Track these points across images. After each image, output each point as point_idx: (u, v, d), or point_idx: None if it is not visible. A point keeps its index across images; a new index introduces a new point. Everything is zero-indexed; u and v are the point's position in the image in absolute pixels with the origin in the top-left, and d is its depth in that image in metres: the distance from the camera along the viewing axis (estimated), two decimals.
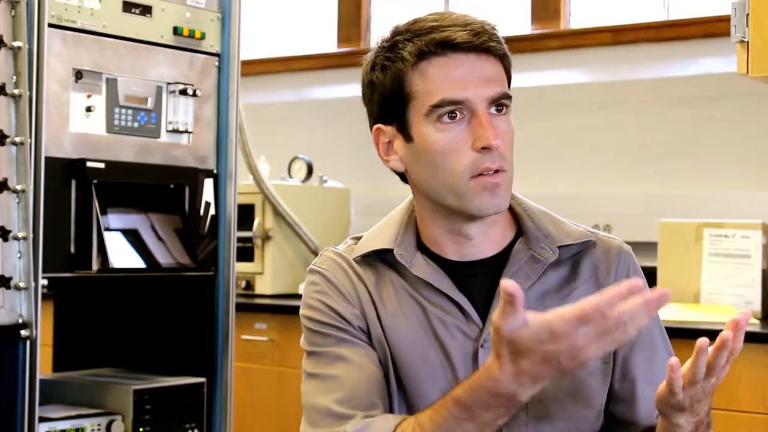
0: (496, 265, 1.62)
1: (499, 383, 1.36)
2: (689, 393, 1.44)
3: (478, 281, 1.62)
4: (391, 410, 1.61)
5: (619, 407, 1.64)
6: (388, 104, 1.61)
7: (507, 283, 1.29)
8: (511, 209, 1.67)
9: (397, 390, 1.62)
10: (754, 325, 2.84)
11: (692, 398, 1.45)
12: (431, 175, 1.59)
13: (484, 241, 1.63)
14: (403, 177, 1.67)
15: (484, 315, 1.60)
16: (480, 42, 1.56)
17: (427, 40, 1.57)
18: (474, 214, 1.58)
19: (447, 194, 1.58)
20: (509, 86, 1.62)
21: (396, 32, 1.61)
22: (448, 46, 1.56)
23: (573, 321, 1.29)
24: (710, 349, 1.43)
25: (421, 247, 1.65)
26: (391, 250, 1.64)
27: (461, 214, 1.59)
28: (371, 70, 1.63)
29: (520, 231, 1.66)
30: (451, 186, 1.57)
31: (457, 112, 1.56)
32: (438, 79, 1.56)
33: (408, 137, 1.60)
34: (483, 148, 1.54)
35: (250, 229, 3.76)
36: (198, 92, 2.72)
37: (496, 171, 1.56)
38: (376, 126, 1.64)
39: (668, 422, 1.49)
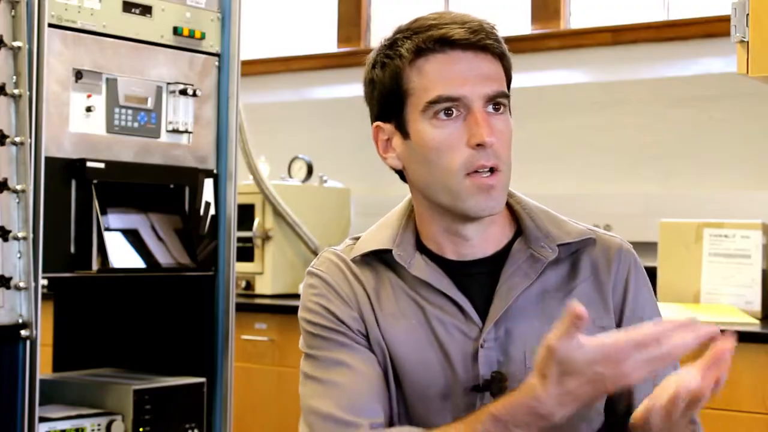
0: (495, 264, 1.62)
1: (540, 403, 1.38)
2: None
3: (477, 281, 1.62)
4: (389, 411, 1.61)
5: (619, 404, 1.65)
6: (386, 101, 1.62)
7: (575, 306, 1.31)
8: (510, 208, 1.67)
9: (395, 391, 1.62)
10: (754, 325, 2.84)
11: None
12: (427, 173, 1.59)
13: (482, 240, 1.63)
14: (402, 175, 1.67)
15: (483, 315, 1.60)
16: (477, 39, 1.56)
17: (424, 37, 1.57)
18: (468, 214, 1.58)
19: (442, 192, 1.58)
20: (509, 86, 1.62)
21: (397, 31, 1.62)
22: (445, 43, 1.56)
23: (629, 346, 1.32)
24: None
25: (420, 247, 1.65)
26: (389, 251, 1.64)
27: (456, 214, 1.59)
28: (372, 68, 1.64)
29: (519, 230, 1.65)
30: (446, 184, 1.57)
31: (453, 110, 1.56)
32: (435, 76, 1.56)
33: (405, 134, 1.61)
34: (477, 145, 1.54)
35: (250, 229, 3.76)
36: (198, 92, 2.72)
37: (492, 170, 1.56)
38: (375, 123, 1.65)
39: None
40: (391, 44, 1.61)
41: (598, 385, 1.35)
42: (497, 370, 1.57)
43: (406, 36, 1.59)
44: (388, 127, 1.63)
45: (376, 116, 1.65)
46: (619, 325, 1.63)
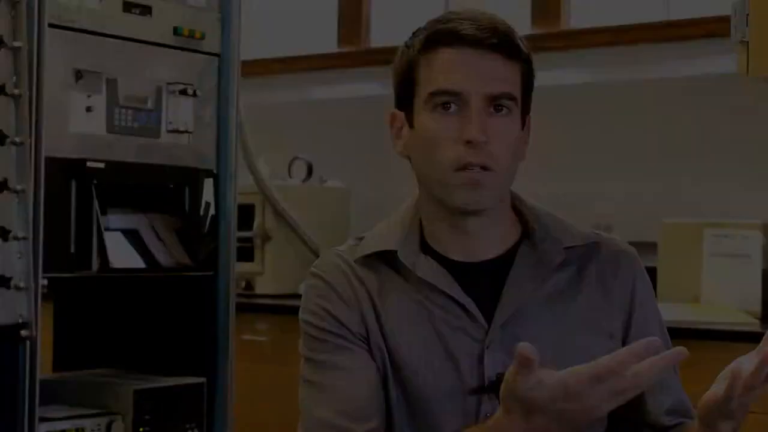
0: (501, 266, 1.62)
1: None
2: (744, 399, 1.42)
3: (482, 282, 1.62)
4: (389, 416, 1.61)
5: (625, 409, 1.64)
6: (400, 90, 1.65)
7: (522, 346, 1.29)
8: (515, 210, 1.67)
9: (396, 396, 1.61)
10: (754, 325, 2.83)
11: (743, 405, 1.43)
12: (424, 163, 1.61)
13: (487, 241, 1.63)
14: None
15: (489, 316, 1.60)
16: (484, 37, 1.57)
17: (436, 30, 1.60)
18: (456, 207, 1.59)
19: (435, 185, 1.60)
20: (527, 90, 1.62)
21: (426, 22, 1.64)
22: (454, 38, 1.58)
23: (588, 381, 1.30)
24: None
25: (425, 248, 1.65)
26: (394, 252, 1.64)
27: (450, 207, 1.59)
28: (397, 57, 1.66)
29: (525, 232, 1.66)
30: (438, 176, 1.58)
31: (452, 104, 1.57)
32: (439, 69, 1.58)
33: (411, 124, 1.63)
34: (468, 142, 1.55)
35: (250, 229, 3.76)
36: (198, 92, 2.72)
37: (483, 168, 1.56)
38: (392, 111, 1.67)
39: (710, 430, 1.48)
40: (413, 35, 1.64)
41: (567, 420, 1.32)
42: (502, 372, 1.57)
43: (425, 27, 1.62)
44: (400, 115, 1.66)
45: (394, 104, 1.67)
46: (626, 328, 1.63)
